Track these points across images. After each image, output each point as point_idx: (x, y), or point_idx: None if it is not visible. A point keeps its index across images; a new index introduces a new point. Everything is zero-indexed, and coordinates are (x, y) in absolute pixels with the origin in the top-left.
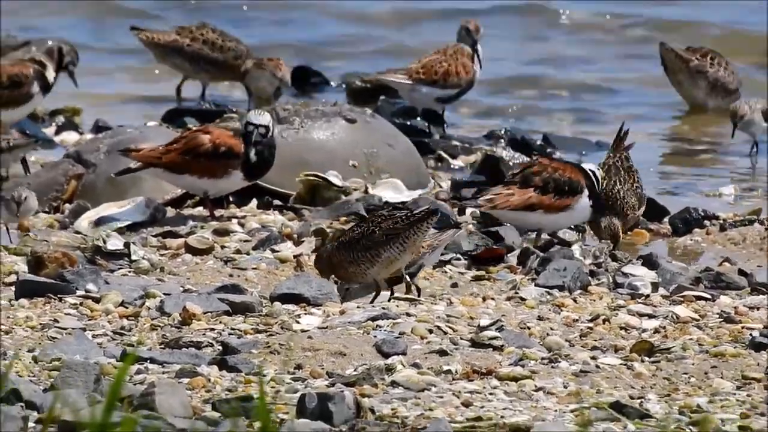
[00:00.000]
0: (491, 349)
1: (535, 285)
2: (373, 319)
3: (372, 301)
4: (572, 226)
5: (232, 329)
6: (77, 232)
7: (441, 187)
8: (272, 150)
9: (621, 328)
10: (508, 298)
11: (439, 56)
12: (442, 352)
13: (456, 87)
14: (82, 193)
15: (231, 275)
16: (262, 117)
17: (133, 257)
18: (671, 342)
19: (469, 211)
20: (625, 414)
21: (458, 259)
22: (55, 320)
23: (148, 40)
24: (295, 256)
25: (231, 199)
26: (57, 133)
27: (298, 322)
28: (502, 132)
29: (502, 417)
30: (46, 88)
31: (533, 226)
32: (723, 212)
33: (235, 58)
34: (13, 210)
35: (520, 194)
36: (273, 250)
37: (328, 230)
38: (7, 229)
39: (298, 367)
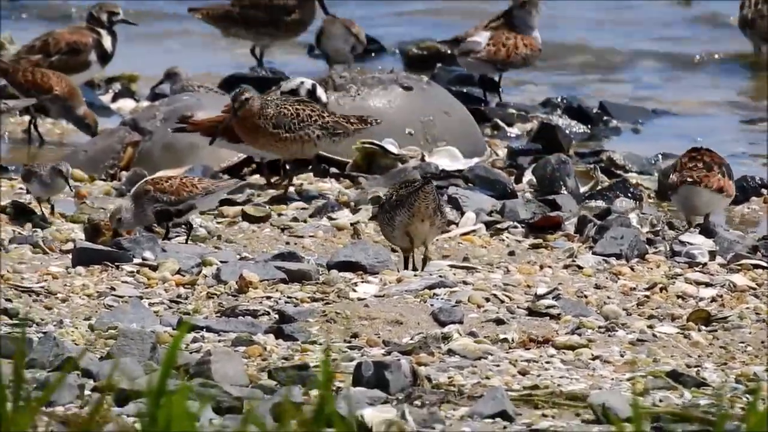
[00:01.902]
0: (548, 317)
1: (593, 253)
2: (430, 287)
3: (405, 267)
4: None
5: (289, 297)
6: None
7: (497, 155)
8: None
9: (678, 297)
10: (565, 267)
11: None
12: (499, 321)
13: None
14: (139, 161)
15: (288, 243)
16: (288, 83)
17: (192, 224)
18: (728, 311)
19: (525, 178)
20: (682, 383)
21: (515, 227)
22: (112, 288)
23: (205, 16)
24: (352, 224)
25: (288, 166)
26: (113, 100)
27: (354, 291)
28: (559, 100)
29: (558, 385)
30: (104, 57)
31: (710, 209)
32: None
33: (286, 13)
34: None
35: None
36: (330, 218)
37: (384, 198)
38: (39, 203)
39: (355, 335)
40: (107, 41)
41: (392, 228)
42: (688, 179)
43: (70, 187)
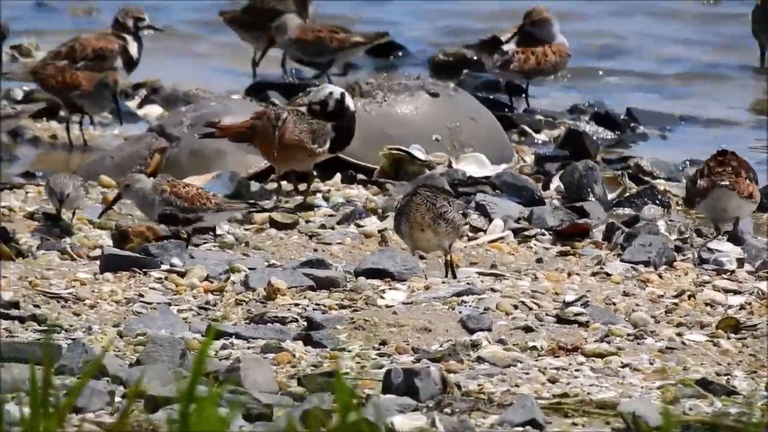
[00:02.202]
0: (577, 325)
1: (621, 260)
2: (458, 294)
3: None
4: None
5: (317, 304)
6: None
7: (524, 161)
8: (350, 123)
9: (706, 304)
10: (594, 274)
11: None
12: (528, 328)
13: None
14: (166, 167)
15: (316, 250)
16: (318, 92)
17: (218, 231)
18: (757, 318)
19: (553, 185)
20: (711, 391)
21: (543, 234)
22: (140, 295)
23: (225, 20)
24: (379, 231)
25: (315, 173)
26: (140, 106)
27: (382, 298)
28: (586, 106)
29: (588, 393)
30: (129, 63)
31: (738, 214)
32: None
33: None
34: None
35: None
36: (357, 225)
37: None
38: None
39: (384, 342)
40: (133, 47)
41: (401, 236)
42: (720, 183)
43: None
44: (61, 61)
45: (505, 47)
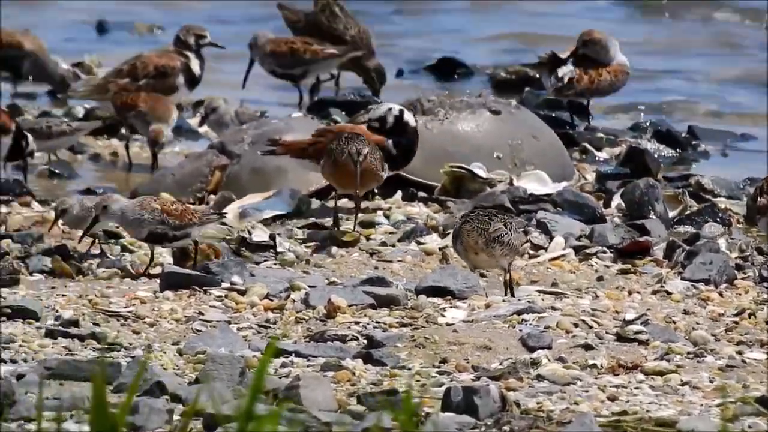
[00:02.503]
0: (637, 343)
1: (681, 278)
2: (519, 312)
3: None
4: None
5: (377, 322)
6: (222, 224)
7: (586, 179)
8: (411, 139)
9: (767, 323)
10: (654, 292)
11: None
12: (588, 346)
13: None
14: (227, 184)
15: (376, 267)
16: (377, 110)
17: (279, 249)
18: None
19: (614, 203)
20: None
21: (604, 252)
22: (200, 313)
23: (284, 16)
24: (440, 249)
25: (376, 190)
26: (201, 123)
27: (443, 316)
28: (647, 124)
29: (647, 411)
30: (192, 80)
31: None
32: None
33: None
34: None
35: None
36: (418, 242)
37: None
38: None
39: (444, 360)
40: (195, 65)
41: (459, 255)
42: None
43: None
44: (123, 79)
45: (560, 72)
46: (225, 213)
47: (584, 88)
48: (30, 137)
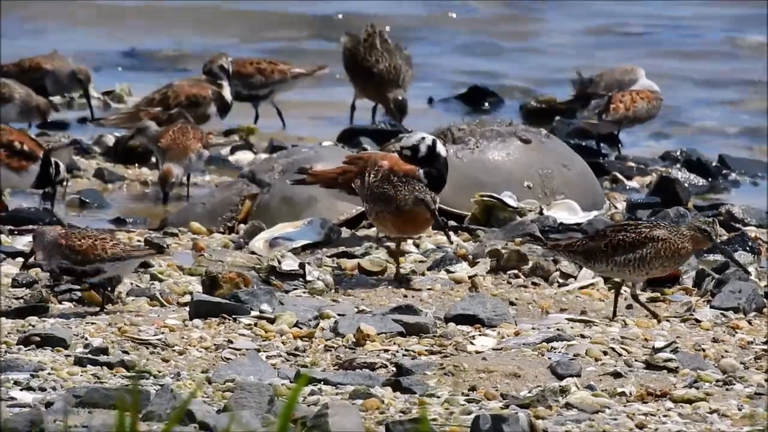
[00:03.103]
0: (666, 371)
1: (710, 307)
2: (548, 340)
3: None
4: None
5: (406, 350)
6: (252, 253)
7: (616, 208)
8: (442, 169)
9: None
10: (683, 320)
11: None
12: (617, 374)
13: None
14: (257, 213)
15: (405, 296)
16: (410, 138)
17: (308, 278)
18: None
19: None
20: None
21: None
22: (230, 341)
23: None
24: (470, 277)
25: None
26: (232, 152)
27: (472, 344)
28: (678, 153)
29: None
30: (223, 109)
31: None
32: None
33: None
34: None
35: None
36: (448, 271)
37: (503, 251)
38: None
39: (473, 388)
40: (227, 92)
41: None
42: None
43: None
44: (154, 108)
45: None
46: (162, 247)
47: (622, 115)
48: (61, 165)
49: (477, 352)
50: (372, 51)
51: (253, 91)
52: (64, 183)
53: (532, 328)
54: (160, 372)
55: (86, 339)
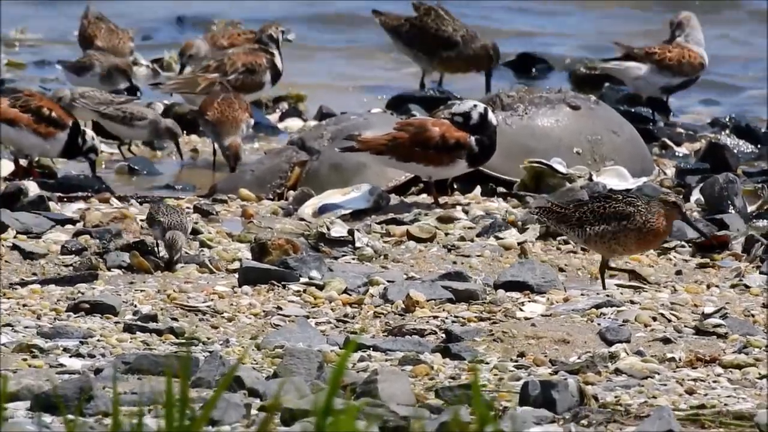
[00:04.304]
0: (715, 336)
1: (760, 272)
2: (597, 306)
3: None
4: None
5: (456, 317)
6: (301, 219)
7: (665, 174)
8: (492, 138)
9: None
10: (733, 286)
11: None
12: (666, 340)
13: (686, 75)
14: (306, 180)
15: (455, 262)
16: (461, 105)
17: (357, 244)
18: None
19: (693, 198)
20: None
21: (683, 246)
22: (279, 307)
23: (381, 22)
24: (519, 243)
25: (455, 186)
26: (281, 119)
27: (521, 310)
28: (727, 119)
29: (725, 405)
30: (276, 76)
31: None
32: None
33: (445, 47)
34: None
35: None
36: (497, 237)
37: None
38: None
39: (522, 354)
40: (279, 61)
41: None
42: None
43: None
44: (211, 74)
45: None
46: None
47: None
48: (90, 134)
49: (526, 319)
50: (443, 21)
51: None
52: (96, 153)
53: (582, 294)
54: (209, 339)
55: (135, 306)
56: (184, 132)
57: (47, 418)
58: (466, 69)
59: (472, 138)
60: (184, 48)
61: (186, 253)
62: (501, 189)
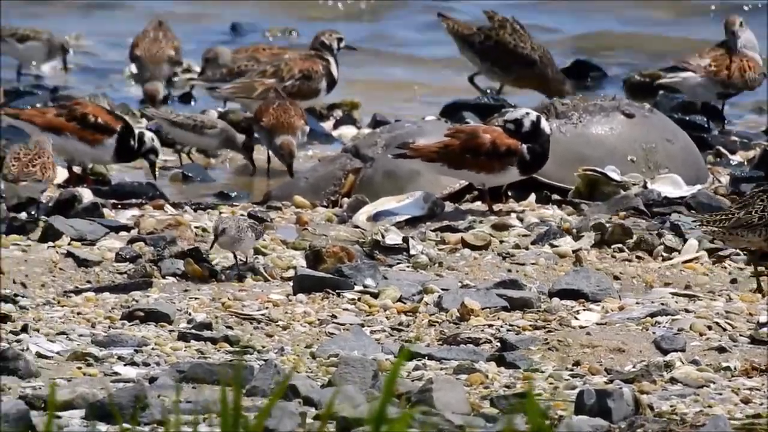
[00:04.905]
0: None
1: None
2: (652, 315)
3: None
4: None
5: (511, 325)
6: (355, 227)
7: (720, 182)
8: (544, 146)
9: None
10: None
11: (724, 53)
12: (721, 349)
13: (745, 85)
14: (360, 188)
15: (509, 270)
16: (513, 113)
17: (412, 252)
18: None
19: None
20: None
21: (738, 254)
22: (333, 316)
23: (449, 28)
24: (574, 251)
25: (510, 193)
26: (335, 127)
27: (576, 318)
28: None
29: None
30: (331, 84)
31: None
32: None
33: (522, 65)
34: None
35: None
36: (552, 245)
37: (607, 225)
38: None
39: (577, 363)
40: (334, 68)
41: None
42: None
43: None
44: (268, 79)
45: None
46: None
47: (721, 79)
48: (148, 136)
49: (581, 327)
50: (520, 38)
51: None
52: (156, 154)
53: (637, 303)
54: (263, 347)
55: (190, 314)
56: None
57: (102, 427)
58: (539, 89)
59: (524, 146)
60: (205, 53)
61: (241, 261)
62: (556, 196)
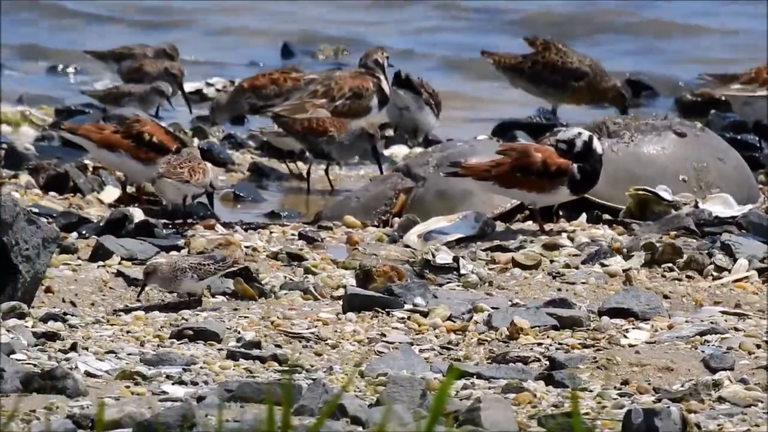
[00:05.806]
0: None
1: None
2: (701, 333)
3: None
4: None
5: (560, 344)
6: (406, 246)
7: None
8: (596, 166)
9: None
10: None
11: None
12: None
13: None
14: (411, 207)
15: (559, 289)
16: (566, 133)
17: (462, 271)
18: None
19: None
20: None
21: None
22: (383, 334)
23: (496, 62)
24: (624, 271)
25: (561, 213)
26: (386, 146)
27: (625, 337)
28: None
29: None
30: (383, 101)
31: None
32: None
33: (576, 79)
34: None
35: None
36: (602, 264)
37: (657, 245)
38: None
39: (625, 382)
40: (386, 85)
41: None
42: None
43: None
44: (319, 100)
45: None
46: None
47: None
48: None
49: (630, 346)
50: (565, 54)
51: (270, 101)
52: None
53: (686, 321)
54: (312, 366)
55: (239, 333)
56: (288, 160)
57: None
58: (596, 101)
59: (575, 165)
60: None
61: (291, 279)
62: (606, 216)
